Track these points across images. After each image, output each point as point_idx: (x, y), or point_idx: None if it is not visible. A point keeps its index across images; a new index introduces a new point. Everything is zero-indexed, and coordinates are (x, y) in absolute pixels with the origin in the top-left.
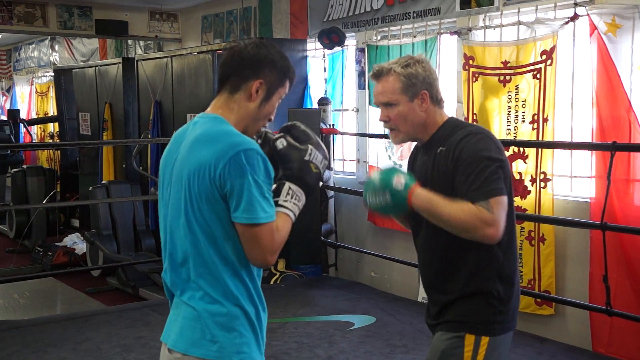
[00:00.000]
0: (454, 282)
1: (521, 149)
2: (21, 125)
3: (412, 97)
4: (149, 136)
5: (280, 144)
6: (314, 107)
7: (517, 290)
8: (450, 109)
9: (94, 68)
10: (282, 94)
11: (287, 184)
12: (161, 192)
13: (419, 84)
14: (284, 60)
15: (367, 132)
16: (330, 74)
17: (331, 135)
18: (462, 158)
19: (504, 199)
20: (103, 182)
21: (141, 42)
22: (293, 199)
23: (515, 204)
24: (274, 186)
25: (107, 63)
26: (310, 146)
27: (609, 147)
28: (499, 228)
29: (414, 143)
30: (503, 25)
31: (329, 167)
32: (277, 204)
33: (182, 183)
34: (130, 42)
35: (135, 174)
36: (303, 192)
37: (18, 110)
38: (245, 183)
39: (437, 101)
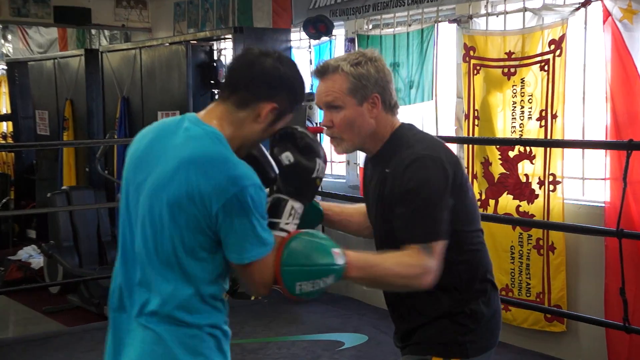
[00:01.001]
0: (420, 308)
1: (528, 149)
2: None
3: (361, 101)
4: (116, 136)
5: (287, 159)
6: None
7: (496, 304)
8: (450, 104)
9: (52, 61)
10: (287, 120)
11: (290, 203)
12: (125, 194)
13: (370, 86)
14: (302, 84)
15: None
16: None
17: (318, 135)
18: (406, 192)
19: (444, 244)
20: (63, 187)
21: (106, 32)
22: (294, 219)
23: (521, 209)
24: (270, 198)
25: (68, 55)
26: (318, 161)
27: (625, 146)
28: (435, 276)
29: None
30: (507, 13)
31: None
32: (278, 226)
33: (160, 200)
34: (93, 31)
35: (100, 179)
36: (303, 207)
37: None
38: (245, 222)
39: (391, 107)
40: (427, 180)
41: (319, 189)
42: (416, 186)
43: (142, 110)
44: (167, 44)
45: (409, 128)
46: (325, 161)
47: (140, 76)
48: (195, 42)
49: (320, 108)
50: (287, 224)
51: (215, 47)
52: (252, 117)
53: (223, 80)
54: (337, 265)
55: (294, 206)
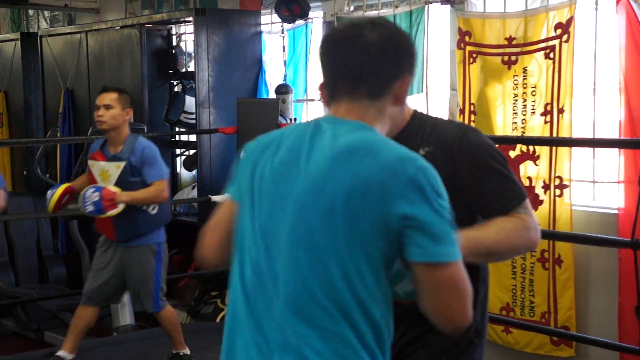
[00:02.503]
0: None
1: (531, 148)
2: None
3: None
4: (58, 135)
5: None
6: (270, 96)
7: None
8: (442, 97)
9: None
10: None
11: None
12: (253, 216)
13: None
14: (410, 38)
15: None
16: (290, 54)
17: None
18: (479, 163)
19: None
20: None
21: (46, 13)
22: None
23: None
24: None
25: (1, 39)
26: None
27: None
28: (539, 229)
29: None
30: None
31: None
32: None
33: (319, 208)
34: (31, 12)
35: (40, 184)
36: None
37: None
38: (433, 210)
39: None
40: (490, 147)
41: None
42: (485, 156)
43: (89, 105)
44: (118, 28)
45: (423, 113)
46: None
47: (87, 65)
48: (150, 25)
49: None
50: None
51: (173, 32)
52: (391, 101)
53: (323, 68)
54: None
55: None
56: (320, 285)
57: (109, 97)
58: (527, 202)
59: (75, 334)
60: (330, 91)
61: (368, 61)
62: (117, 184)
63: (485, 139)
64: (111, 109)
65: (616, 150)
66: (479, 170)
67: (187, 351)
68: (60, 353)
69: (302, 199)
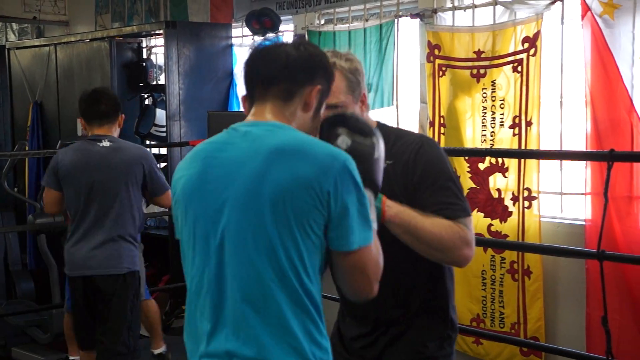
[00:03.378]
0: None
1: (500, 160)
2: None
3: (357, 98)
4: (27, 148)
5: (344, 143)
6: (241, 109)
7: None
8: (412, 110)
9: None
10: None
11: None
12: (193, 228)
13: (361, 82)
14: (330, 64)
15: None
16: None
17: None
18: (430, 172)
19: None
20: None
21: (14, 26)
22: (372, 207)
23: (493, 229)
24: None
25: None
26: (375, 139)
27: (606, 157)
28: (473, 249)
29: None
30: (475, 6)
31: None
32: None
33: (258, 207)
34: None
35: (8, 198)
36: (373, 195)
37: None
38: (355, 200)
39: (368, 106)
40: (444, 161)
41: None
42: (437, 167)
43: (59, 118)
44: (88, 40)
45: (386, 125)
46: (383, 142)
47: (56, 78)
48: (120, 38)
49: None
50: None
51: (144, 45)
52: (301, 106)
53: (244, 79)
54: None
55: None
56: (272, 276)
57: None
58: (471, 220)
59: None
60: (249, 98)
61: (281, 65)
62: None
63: (441, 153)
64: None
65: (582, 162)
66: (431, 182)
67: (164, 348)
68: None
69: (240, 200)
